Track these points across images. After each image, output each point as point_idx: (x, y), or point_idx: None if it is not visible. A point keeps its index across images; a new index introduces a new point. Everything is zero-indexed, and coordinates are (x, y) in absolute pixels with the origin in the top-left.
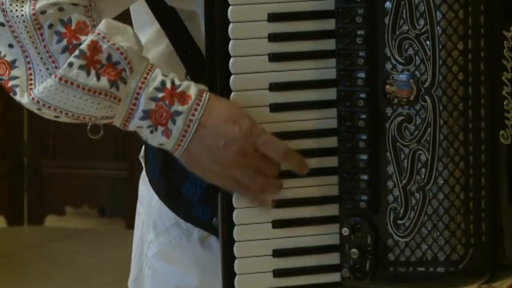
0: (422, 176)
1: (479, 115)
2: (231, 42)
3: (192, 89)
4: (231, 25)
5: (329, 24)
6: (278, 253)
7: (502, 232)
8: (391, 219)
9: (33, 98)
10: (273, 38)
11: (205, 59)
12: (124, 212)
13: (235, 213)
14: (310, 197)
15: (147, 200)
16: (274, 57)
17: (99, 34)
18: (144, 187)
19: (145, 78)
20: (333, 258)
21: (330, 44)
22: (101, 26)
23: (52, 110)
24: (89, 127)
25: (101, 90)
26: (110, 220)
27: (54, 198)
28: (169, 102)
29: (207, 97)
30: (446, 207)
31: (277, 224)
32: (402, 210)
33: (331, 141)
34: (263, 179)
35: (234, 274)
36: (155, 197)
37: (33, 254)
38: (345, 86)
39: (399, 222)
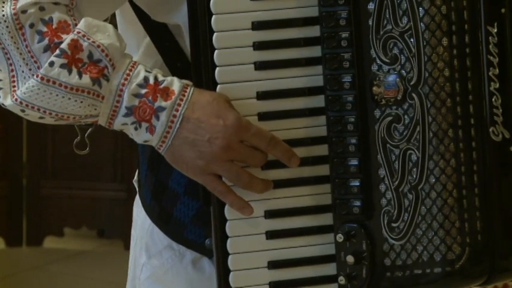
0: (414, 176)
1: (468, 111)
2: (216, 51)
3: (176, 84)
4: (215, 34)
5: (314, 31)
6: (273, 265)
7: (498, 232)
8: (385, 222)
9: (16, 99)
10: (258, 46)
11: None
12: (123, 233)
13: (228, 225)
14: (304, 207)
15: (140, 223)
16: (260, 66)
17: (79, 33)
18: (137, 210)
19: (128, 74)
20: (330, 269)
21: (316, 51)
22: (81, 25)
23: (36, 111)
24: (74, 143)
25: (84, 88)
26: (109, 241)
27: (53, 219)
28: (153, 98)
29: (191, 92)
30: (440, 206)
31: (271, 235)
32: (396, 212)
33: (323, 149)
34: (248, 175)
35: (229, 287)
36: (148, 220)
37: (32, 276)
38: (332, 90)
39: (393, 225)
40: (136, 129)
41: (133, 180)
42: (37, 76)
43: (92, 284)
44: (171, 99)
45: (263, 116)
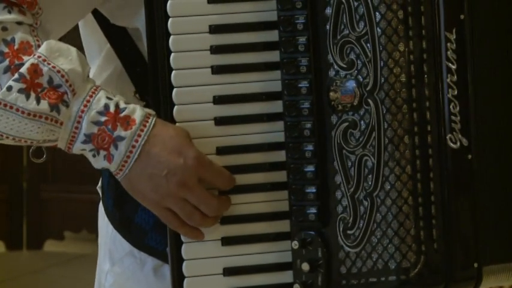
0: (370, 183)
1: (424, 118)
2: (172, 54)
3: (138, 113)
4: (171, 37)
5: (273, 36)
6: (229, 271)
7: (455, 241)
8: (341, 230)
9: None
10: (215, 50)
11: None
12: None
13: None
14: (261, 213)
15: (104, 229)
16: (217, 70)
17: (39, 57)
18: (101, 218)
19: (88, 101)
20: (287, 277)
21: (274, 56)
22: (42, 49)
23: None
24: (31, 151)
25: (41, 114)
26: None
27: (53, 223)
28: (112, 127)
29: (153, 123)
30: (395, 213)
31: (227, 241)
32: (351, 219)
33: (281, 156)
34: (200, 216)
35: (183, 277)
36: (110, 227)
37: (32, 279)
38: (290, 95)
39: (349, 232)
40: (94, 156)
41: (97, 187)
42: None
43: None
44: (131, 129)
45: (220, 121)
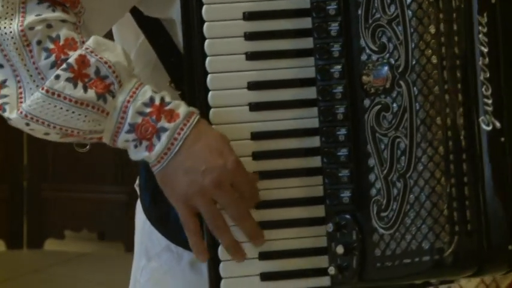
0: (403, 164)
1: (456, 100)
2: (207, 41)
3: (182, 108)
4: (205, 24)
5: (306, 23)
6: (264, 256)
7: (488, 223)
8: (375, 212)
9: (21, 112)
10: (249, 36)
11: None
12: (123, 236)
13: None
14: (295, 198)
15: (140, 227)
16: (251, 56)
17: (87, 49)
18: (138, 215)
19: (134, 92)
20: (322, 262)
21: (307, 43)
22: (90, 42)
23: (40, 124)
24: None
25: (88, 102)
26: (110, 244)
27: (53, 222)
28: (156, 118)
29: (195, 119)
30: (428, 194)
31: (262, 225)
32: (385, 201)
33: (315, 141)
34: (223, 223)
35: (220, 278)
36: (147, 223)
37: (33, 278)
38: (323, 80)
39: (383, 214)
40: (136, 146)
41: (135, 185)
42: (42, 88)
43: (92, 287)
44: (175, 122)
45: (254, 107)
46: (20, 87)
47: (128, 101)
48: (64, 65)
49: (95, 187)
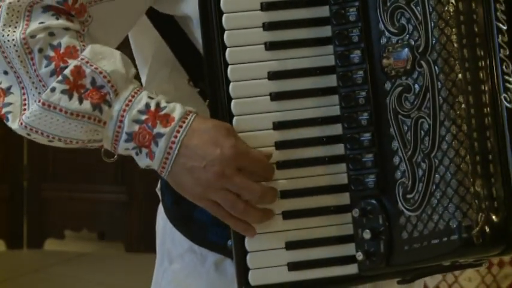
0: (427, 144)
1: (478, 77)
2: (226, 33)
3: (177, 111)
4: (224, 16)
5: (323, 12)
6: (291, 245)
7: None
8: (401, 195)
9: (21, 123)
10: (268, 26)
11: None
12: (123, 236)
13: None
14: (320, 186)
15: (161, 230)
16: (270, 46)
17: (82, 59)
18: (159, 219)
19: (130, 101)
20: (349, 249)
21: (326, 31)
22: (86, 52)
23: (40, 135)
24: (102, 150)
25: (84, 114)
26: (110, 244)
27: (53, 222)
28: (152, 125)
29: (192, 119)
30: (453, 172)
31: (287, 215)
32: (410, 183)
33: (337, 129)
34: (244, 206)
35: (248, 269)
36: (168, 225)
37: (33, 278)
38: (343, 66)
39: (408, 196)
40: (137, 154)
41: (156, 189)
42: (39, 101)
43: (92, 287)
44: (171, 126)
45: (275, 96)
46: (24, 94)
47: (124, 110)
48: (60, 77)
49: (95, 187)
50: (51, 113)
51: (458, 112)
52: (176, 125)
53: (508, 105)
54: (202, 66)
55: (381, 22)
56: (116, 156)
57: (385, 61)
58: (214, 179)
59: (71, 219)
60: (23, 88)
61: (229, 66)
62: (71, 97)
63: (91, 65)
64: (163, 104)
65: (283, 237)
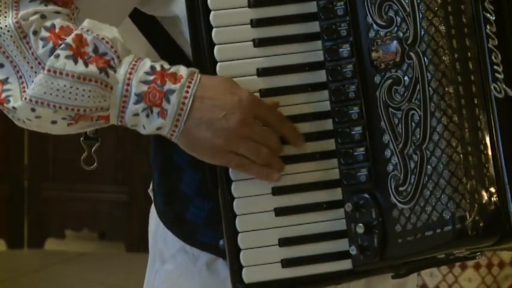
0: (418, 136)
1: (467, 68)
2: (214, 30)
3: (183, 69)
4: (212, 13)
5: (311, 7)
6: (284, 242)
7: (506, 191)
8: (393, 188)
9: (25, 98)
10: (256, 23)
11: (192, 63)
12: (124, 236)
13: (235, 204)
14: (312, 182)
15: (154, 231)
16: (259, 43)
17: (82, 28)
18: (151, 220)
19: (135, 64)
20: (342, 245)
21: (314, 27)
22: (85, 23)
23: (46, 107)
24: (82, 158)
25: (91, 77)
26: (110, 243)
27: (54, 221)
28: (161, 82)
29: (199, 76)
30: (445, 163)
31: (280, 211)
32: (402, 176)
33: (328, 125)
34: (267, 151)
35: (241, 266)
36: (160, 226)
37: (33, 278)
38: (332, 61)
39: (401, 189)
40: (148, 116)
41: (149, 190)
42: (43, 69)
43: (92, 286)
44: (180, 82)
45: (265, 93)
46: (22, 83)
47: (130, 73)
48: (62, 45)
49: (96, 187)
50: (57, 79)
51: (448, 102)
52: (186, 80)
53: (497, 95)
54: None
55: (368, 15)
56: (95, 164)
57: (374, 54)
58: (237, 127)
59: (72, 219)
60: (20, 77)
61: (218, 64)
62: (76, 61)
63: (92, 33)
64: (167, 66)
65: (276, 234)
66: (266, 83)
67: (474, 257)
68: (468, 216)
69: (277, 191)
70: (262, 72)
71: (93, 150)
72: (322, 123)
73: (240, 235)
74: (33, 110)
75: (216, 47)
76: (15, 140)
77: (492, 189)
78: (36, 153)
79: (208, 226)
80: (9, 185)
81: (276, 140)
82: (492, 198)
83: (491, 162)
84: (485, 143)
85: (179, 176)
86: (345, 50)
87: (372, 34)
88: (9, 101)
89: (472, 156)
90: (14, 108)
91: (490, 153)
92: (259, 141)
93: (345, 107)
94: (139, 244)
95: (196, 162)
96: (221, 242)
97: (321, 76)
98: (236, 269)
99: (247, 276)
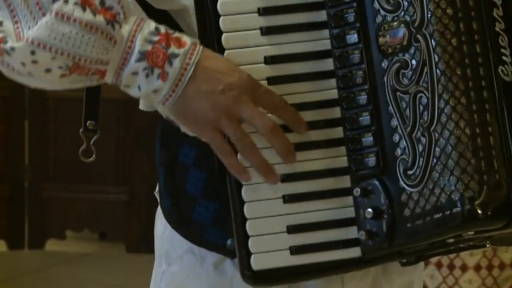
0: (426, 118)
1: (474, 50)
2: (221, 18)
3: (186, 37)
4: (219, 1)
5: None
6: (292, 229)
7: None
8: (401, 172)
9: (27, 39)
10: (263, 11)
11: None
12: (125, 236)
13: (243, 191)
14: (321, 170)
15: (160, 233)
16: (266, 31)
17: None
18: (157, 222)
19: (139, 24)
20: (351, 232)
21: (322, 16)
22: None
23: (47, 51)
24: (80, 151)
25: (98, 27)
26: (111, 244)
27: (54, 222)
28: (166, 44)
29: (201, 47)
30: (454, 144)
31: (288, 198)
32: (410, 159)
33: (335, 112)
34: (252, 142)
35: (250, 253)
36: (168, 228)
37: (34, 279)
38: (339, 47)
39: (409, 172)
40: (147, 76)
41: (155, 192)
42: (51, 12)
43: (93, 287)
44: (185, 47)
45: (273, 81)
46: (17, 28)
47: (135, 30)
48: None
49: (96, 187)
50: (65, 24)
51: (456, 84)
52: (189, 47)
53: (505, 78)
54: None
55: (375, 1)
56: (93, 156)
57: (381, 39)
58: (232, 103)
59: (72, 219)
60: (16, 22)
61: (226, 51)
62: (84, 9)
63: None
64: (171, 30)
65: (284, 221)
66: (274, 71)
67: (484, 244)
68: (477, 197)
69: (285, 178)
70: (270, 60)
71: (91, 142)
72: (330, 111)
73: (248, 222)
74: (33, 52)
75: (223, 35)
76: (15, 140)
77: (502, 171)
78: (36, 153)
79: (216, 226)
80: (9, 185)
81: (270, 122)
82: (501, 181)
83: (499, 144)
84: (494, 126)
85: (184, 176)
86: (352, 36)
87: (379, 19)
88: (6, 42)
89: (480, 138)
90: (12, 48)
91: (498, 135)
92: (251, 117)
93: (353, 93)
94: (139, 245)
95: (202, 162)
96: (229, 242)
97: (328, 64)
98: (245, 256)
99: (256, 263)
